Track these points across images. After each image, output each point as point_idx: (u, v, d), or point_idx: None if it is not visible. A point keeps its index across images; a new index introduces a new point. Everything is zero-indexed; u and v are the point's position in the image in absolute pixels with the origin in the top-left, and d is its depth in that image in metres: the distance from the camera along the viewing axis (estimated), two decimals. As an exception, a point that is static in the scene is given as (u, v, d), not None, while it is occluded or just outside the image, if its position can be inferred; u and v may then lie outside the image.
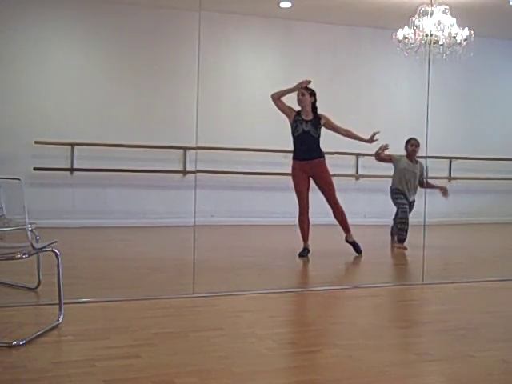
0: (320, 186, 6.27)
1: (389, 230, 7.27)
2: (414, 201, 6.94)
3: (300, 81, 6.05)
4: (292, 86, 6.06)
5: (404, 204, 6.84)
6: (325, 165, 6.26)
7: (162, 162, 8.25)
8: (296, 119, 6.17)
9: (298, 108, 6.16)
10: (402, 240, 6.80)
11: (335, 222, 7.21)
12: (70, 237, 6.87)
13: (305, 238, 6.26)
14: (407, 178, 6.90)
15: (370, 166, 7.40)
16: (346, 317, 4.09)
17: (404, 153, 6.95)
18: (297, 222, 6.32)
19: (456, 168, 9.49)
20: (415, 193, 6.92)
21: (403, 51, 7.32)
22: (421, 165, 6.97)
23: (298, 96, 6.13)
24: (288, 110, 6.19)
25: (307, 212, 6.24)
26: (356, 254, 6.33)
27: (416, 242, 6.65)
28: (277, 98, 6.14)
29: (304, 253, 6.21)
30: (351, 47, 9.10)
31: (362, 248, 6.36)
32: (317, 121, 6.20)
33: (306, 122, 6.17)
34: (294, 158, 6.23)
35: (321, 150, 6.25)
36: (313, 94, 6.18)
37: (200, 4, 5.13)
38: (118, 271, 5.28)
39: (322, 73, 8.97)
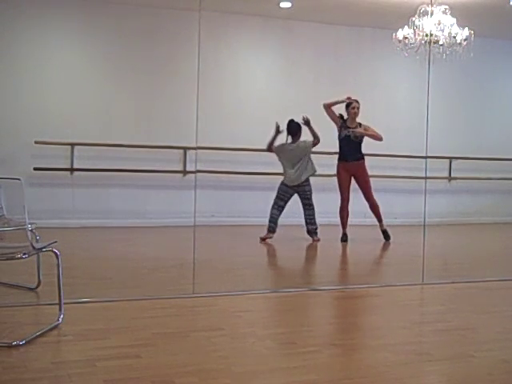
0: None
1: (390, 230, 7.28)
2: (307, 180, 7.14)
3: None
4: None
5: (275, 204, 7.13)
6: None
7: (161, 161, 8.24)
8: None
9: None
10: (269, 231, 7.11)
11: (336, 221, 7.26)
12: (69, 237, 6.87)
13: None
14: (289, 157, 7.14)
15: (369, 166, 7.39)
16: (346, 317, 4.09)
17: None
18: (295, 221, 7.01)
19: (456, 168, 9.48)
20: (304, 171, 7.13)
21: (403, 51, 7.30)
22: (301, 143, 7.16)
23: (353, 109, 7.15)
24: (336, 118, 7.20)
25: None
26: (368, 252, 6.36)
27: (416, 242, 6.65)
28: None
29: (344, 238, 7.16)
30: (351, 47, 9.09)
31: (390, 235, 7.24)
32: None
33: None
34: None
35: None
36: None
37: (200, 4, 5.13)
38: (118, 271, 5.28)
39: (321, 73, 8.98)
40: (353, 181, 7.27)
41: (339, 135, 7.20)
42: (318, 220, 7.22)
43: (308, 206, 7.14)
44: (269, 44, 8.94)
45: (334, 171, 7.33)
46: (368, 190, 7.21)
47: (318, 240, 7.09)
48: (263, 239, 7.05)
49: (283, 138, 7.19)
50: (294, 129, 7.13)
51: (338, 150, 7.26)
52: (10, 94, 7.82)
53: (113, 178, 8.13)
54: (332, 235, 7.28)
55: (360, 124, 7.19)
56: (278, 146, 7.17)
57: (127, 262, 5.70)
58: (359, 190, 7.28)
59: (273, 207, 7.16)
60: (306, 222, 7.16)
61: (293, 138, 7.17)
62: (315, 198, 7.17)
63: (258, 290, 4.68)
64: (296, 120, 7.11)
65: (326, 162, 7.96)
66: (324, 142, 7.93)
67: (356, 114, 7.18)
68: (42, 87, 7.95)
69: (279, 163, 7.23)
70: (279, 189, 7.18)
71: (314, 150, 8.00)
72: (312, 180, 7.20)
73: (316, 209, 7.17)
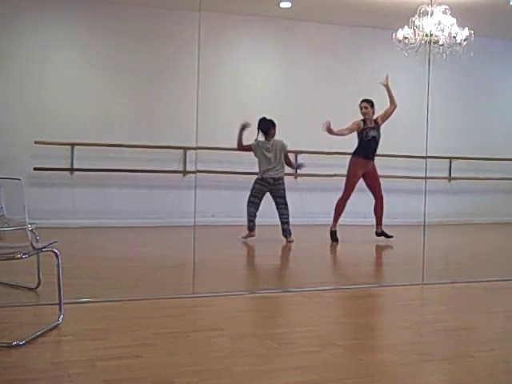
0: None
1: (389, 231, 7.28)
2: (280, 178, 7.15)
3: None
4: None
5: (251, 202, 7.11)
6: None
7: (161, 161, 8.24)
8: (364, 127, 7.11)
9: None
10: (250, 229, 7.13)
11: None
12: (69, 237, 6.87)
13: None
14: (267, 156, 7.14)
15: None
16: (346, 317, 4.09)
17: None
18: (297, 221, 6.93)
19: (456, 168, 9.48)
20: (280, 169, 7.17)
21: (403, 51, 7.31)
22: (278, 142, 7.18)
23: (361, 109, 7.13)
24: (356, 126, 7.10)
25: None
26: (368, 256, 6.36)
27: (416, 242, 6.67)
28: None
29: (334, 237, 7.04)
30: (351, 47, 9.09)
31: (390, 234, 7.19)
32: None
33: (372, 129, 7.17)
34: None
35: None
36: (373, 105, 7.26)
37: (200, 4, 5.13)
38: (118, 271, 5.28)
39: (321, 73, 8.98)
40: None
41: (364, 136, 7.13)
42: (318, 220, 7.23)
43: (284, 206, 7.13)
44: (269, 44, 8.94)
45: (334, 171, 7.33)
46: (380, 186, 7.25)
47: (292, 241, 7.03)
48: (246, 237, 7.05)
49: (252, 135, 7.17)
50: (266, 126, 7.16)
51: (337, 150, 7.26)
52: (10, 93, 7.82)
53: (113, 178, 8.13)
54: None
55: (376, 119, 7.25)
56: (255, 143, 7.19)
57: (127, 262, 5.70)
58: (359, 191, 7.27)
59: (249, 205, 7.15)
60: (282, 222, 7.12)
61: (266, 136, 7.18)
62: (316, 198, 7.18)
63: (258, 290, 4.68)
64: (268, 118, 7.15)
65: (325, 162, 7.97)
66: (324, 142, 7.94)
67: (366, 114, 7.18)
68: (42, 87, 7.95)
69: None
70: (254, 187, 7.17)
71: (312, 149, 8.03)
72: (312, 180, 7.21)
73: (316, 209, 7.18)
